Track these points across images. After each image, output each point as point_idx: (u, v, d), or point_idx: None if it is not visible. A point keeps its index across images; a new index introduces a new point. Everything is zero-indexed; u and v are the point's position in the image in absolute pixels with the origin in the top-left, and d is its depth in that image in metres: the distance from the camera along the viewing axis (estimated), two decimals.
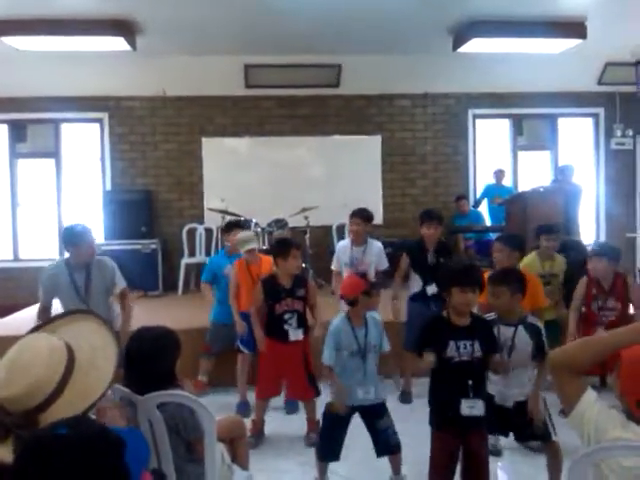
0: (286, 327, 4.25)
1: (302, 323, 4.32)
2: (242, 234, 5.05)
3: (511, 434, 3.57)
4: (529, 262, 4.93)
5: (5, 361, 1.74)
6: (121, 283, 4.65)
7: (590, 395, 1.70)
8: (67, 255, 4.52)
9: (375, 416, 3.50)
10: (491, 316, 3.46)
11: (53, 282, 4.45)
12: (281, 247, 4.34)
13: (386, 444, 3.50)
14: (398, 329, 4.90)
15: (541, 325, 3.48)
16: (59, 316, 2.03)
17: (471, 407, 2.98)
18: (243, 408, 4.80)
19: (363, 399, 3.48)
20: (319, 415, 4.26)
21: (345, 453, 3.70)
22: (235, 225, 5.44)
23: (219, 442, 2.76)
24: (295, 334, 4.26)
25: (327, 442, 3.56)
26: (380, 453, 3.54)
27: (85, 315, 2.03)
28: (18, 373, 1.67)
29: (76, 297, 4.38)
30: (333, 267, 5.28)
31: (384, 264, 5.15)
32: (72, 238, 4.38)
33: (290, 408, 4.83)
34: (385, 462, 3.62)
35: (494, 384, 3.35)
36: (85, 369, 1.78)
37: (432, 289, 4.83)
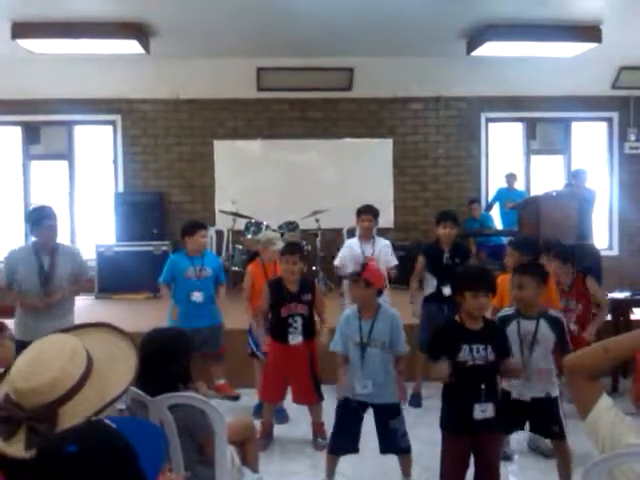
0: (290, 330, 4.22)
1: (308, 327, 4.28)
2: (269, 233, 5.03)
3: (526, 432, 3.57)
4: None
5: (26, 355, 1.73)
6: (86, 274, 4.74)
7: (606, 401, 1.68)
8: (32, 239, 4.56)
9: (388, 416, 3.49)
10: (510, 311, 3.47)
11: (18, 261, 4.42)
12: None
13: (393, 444, 3.50)
14: (412, 331, 4.89)
15: (563, 318, 3.49)
16: (74, 327, 2.04)
17: (483, 411, 2.98)
18: (259, 410, 4.76)
19: (360, 393, 3.47)
20: (324, 417, 4.29)
21: (357, 455, 3.70)
22: (200, 226, 5.23)
23: (229, 444, 2.75)
24: (294, 338, 4.22)
25: (339, 435, 3.55)
26: (384, 451, 3.55)
27: (100, 327, 2.03)
28: (41, 366, 1.67)
29: (37, 279, 4.37)
30: (336, 262, 5.36)
31: (393, 260, 5.17)
32: (41, 217, 4.41)
33: (280, 418, 4.67)
34: (394, 464, 3.61)
35: (513, 380, 3.33)
36: (104, 370, 1.79)
37: (447, 290, 4.83)
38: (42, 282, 4.38)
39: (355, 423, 3.51)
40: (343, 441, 3.54)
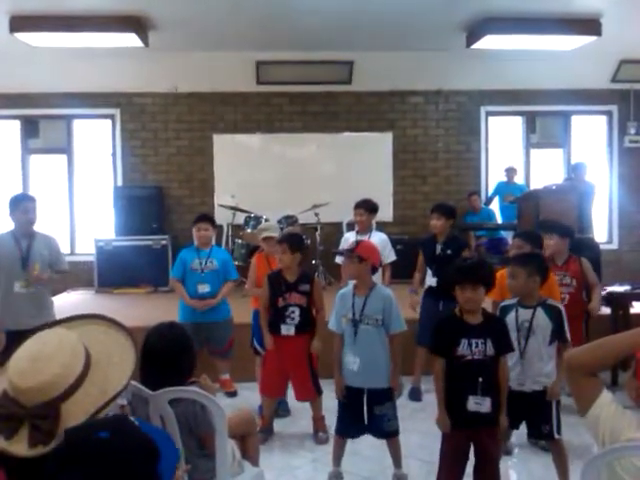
0: (287, 321, 4.20)
1: (306, 319, 4.24)
2: (263, 224, 5.01)
3: (524, 430, 3.56)
4: None
5: (26, 352, 1.69)
6: (64, 265, 4.78)
7: (606, 396, 1.68)
8: (12, 227, 4.58)
9: (376, 401, 3.53)
10: (511, 301, 3.48)
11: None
12: None
13: (379, 430, 3.56)
14: (411, 325, 4.90)
15: (562, 307, 3.49)
16: (67, 319, 1.99)
17: (478, 404, 2.97)
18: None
19: (350, 368, 3.53)
20: (324, 411, 4.31)
21: (356, 450, 3.71)
22: (202, 219, 5.21)
23: (230, 438, 2.76)
24: (288, 329, 4.19)
25: (344, 418, 3.62)
26: (374, 435, 3.62)
27: (93, 319, 1.99)
28: (41, 363, 1.63)
29: (19, 264, 4.46)
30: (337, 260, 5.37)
31: (391, 256, 5.18)
32: (18, 200, 4.52)
33: (282, 410, 4.67)
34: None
35: (510, 369, 3.31)
36: (102, 363, 1.76)
37: (432, 281, 4.87)
38: (23, 266, 4.47)
39: (357, 405, 3.54)
40: (348, 423, 3.59)
